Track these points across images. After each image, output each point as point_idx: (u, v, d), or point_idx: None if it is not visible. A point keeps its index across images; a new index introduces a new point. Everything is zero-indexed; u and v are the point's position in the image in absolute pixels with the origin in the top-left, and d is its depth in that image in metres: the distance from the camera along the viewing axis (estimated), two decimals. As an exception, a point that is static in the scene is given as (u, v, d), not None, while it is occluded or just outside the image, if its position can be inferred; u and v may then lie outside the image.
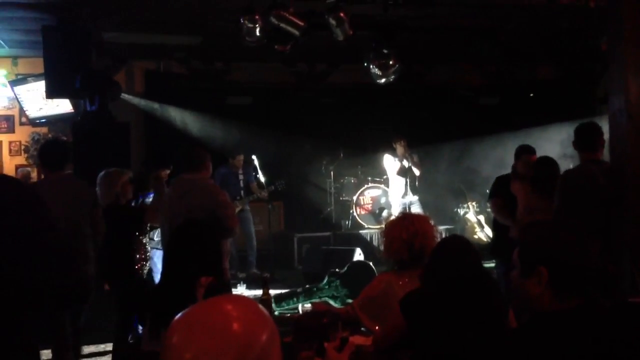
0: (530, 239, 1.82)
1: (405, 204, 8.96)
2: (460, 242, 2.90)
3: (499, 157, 9.88)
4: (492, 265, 6.99)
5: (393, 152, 8.95)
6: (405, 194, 8.98)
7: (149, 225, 5.17)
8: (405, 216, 3.52)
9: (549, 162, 5.29)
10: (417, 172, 8.87)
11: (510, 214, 5.35)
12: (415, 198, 8.99)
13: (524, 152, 5.65)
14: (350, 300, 5.55)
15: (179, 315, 1.23)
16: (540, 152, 5.89)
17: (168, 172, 6.19)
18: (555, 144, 8.61)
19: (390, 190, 9.35)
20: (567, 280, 1.73)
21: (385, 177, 9.75)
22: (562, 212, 4.51)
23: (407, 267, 3.27)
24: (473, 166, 10.05)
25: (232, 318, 1.20)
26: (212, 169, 5.01)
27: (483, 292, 2.69)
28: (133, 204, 5.62)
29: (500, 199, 5.54)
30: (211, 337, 1.17)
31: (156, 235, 6.10)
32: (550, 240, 1.77)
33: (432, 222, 3.46)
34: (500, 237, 5.68)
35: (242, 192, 8.69)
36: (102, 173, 5.07)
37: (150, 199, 5.83)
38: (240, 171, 8.79)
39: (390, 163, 9.00)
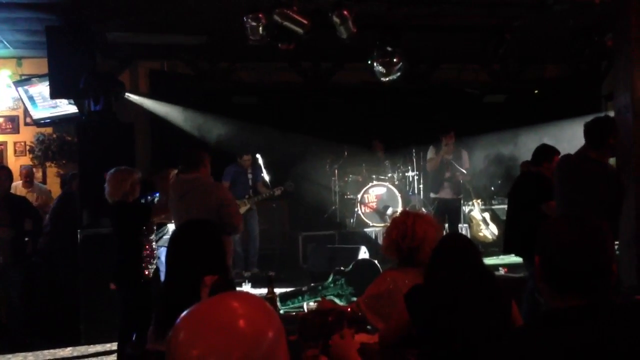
0: (541, 229, 1.80)
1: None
2: (460, 241, 2.91)
3: (504, 155, 9.87)
4: (499, 261, 6.93)
5: (437, 146, 8.59)
6: (441, 189, 8.68)
7: (156, 224, 5.16)
8: (406, 215, 3.43)
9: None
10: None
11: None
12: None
13: (554, 153, 5.55)
14: (355, 299, 5.55)
15: (185, 312, 1.22)
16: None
17: (175, 172, 6.20)
18: (560, 141, 8.57)
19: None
20: (556, 276, 1.71)
21: (390, 174, 9.74)
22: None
23: (410, 264, 3.26)
24: (478, 164, 10.01)
25: (238, 315, 1.19)
26: (220, 167, 4.99)
27: (483, 289, 2.68)
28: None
29: (552, 201, 5.24)
30: (218, 334, 1.16)
31: (167, 233, 6.11)
32: (546, 234, 1.76)
33: (436, 223, 3.43)
34: (514, 233, 5.65)
35: (250, 190, 8.71)
36: (111, 170, 5.01)
37: (157, 198, 5.84)
38: (249, 170, 8.81)
39: (431, 156, 8.69)
